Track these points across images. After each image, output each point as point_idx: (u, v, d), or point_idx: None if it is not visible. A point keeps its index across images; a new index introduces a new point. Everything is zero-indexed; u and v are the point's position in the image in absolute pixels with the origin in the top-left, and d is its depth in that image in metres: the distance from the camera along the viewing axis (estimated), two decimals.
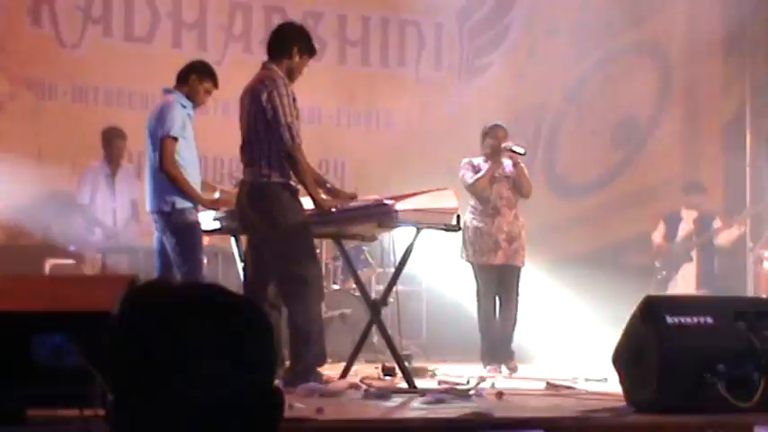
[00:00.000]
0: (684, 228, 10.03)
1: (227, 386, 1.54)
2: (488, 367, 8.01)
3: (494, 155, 8.25)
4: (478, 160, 8.33)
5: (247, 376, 1.56)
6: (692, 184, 10.35)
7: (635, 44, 11.62)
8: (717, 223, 10.03)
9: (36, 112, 9.76)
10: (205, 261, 7.10)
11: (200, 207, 6.86)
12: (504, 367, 8.02)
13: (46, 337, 3.77)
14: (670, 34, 11.61)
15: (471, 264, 8.27)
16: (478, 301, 8.26)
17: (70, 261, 9.03)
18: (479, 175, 8.23)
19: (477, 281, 8.27)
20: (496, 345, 8.16)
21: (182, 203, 6.74)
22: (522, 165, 8.28)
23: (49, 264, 9.03)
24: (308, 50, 6.32)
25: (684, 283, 9.83)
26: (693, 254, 9.95)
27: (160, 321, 1.54)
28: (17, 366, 3.80)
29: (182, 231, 6.76)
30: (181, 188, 6.72)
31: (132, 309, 1.58)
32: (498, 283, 8.23)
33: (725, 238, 10.03)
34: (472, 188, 8.26)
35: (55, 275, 8.35)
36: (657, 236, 10.11)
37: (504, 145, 8.17)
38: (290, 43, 6.25)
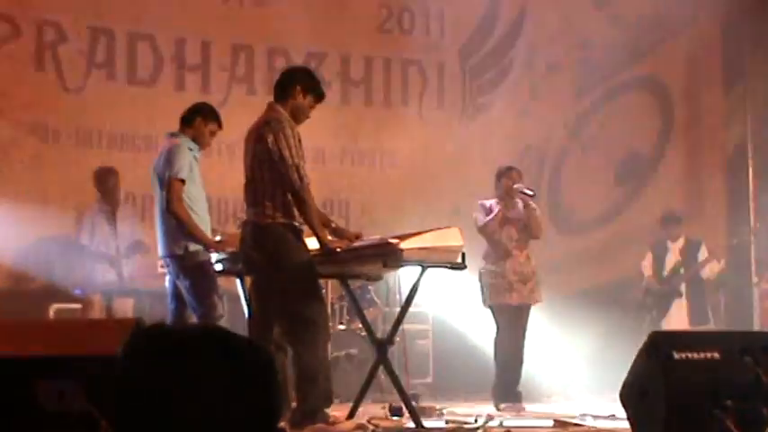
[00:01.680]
0: (671, 259, 9.91)
1: (231, 428, 1.54)
2: (502, 405, 7.98)
3: (506, 196, 8.29)
4: (491, 202, 8.37)
5: (252, 418, 1.56)
6: (668, 216, 10.11)
7: (636, 80, 11.66)
8: (703, 253, 9.89)
9: (39, 157, 9.78)
10: None
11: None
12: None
13: (51, 382, 3.76)
14: (670, 69, 11.65)
15: (490, 306, 8.27)
16: (497, 341, 8.25)
17: (75, 305, 9.01)
18: (489, 217, 8.27)
19: (495, 322, 8.26)
20: (510, 384, 8.15)
21: (194, 246, 6.76)
22: (534, 206, 8.32)
23: (53, 308, 9.02)
24: (313, 92, 6.30)
25: (676, 319, 9.67)
26: (683, 288, 9.83)
27: (163, 365, 1.54)
28: (22, 412, 3.79)
29: (196, 274, 6.77)
30: (188, 229, 6.73)
31: (136, 353, 1.58)
32: (515, 322, 8.22)
33: (707, 271, 9.89)
34: (483, 230, 8.29)
35: (59, 319, 8.33)
36: (646, 266, 9.99)
37: (515, 186, 8.22)
38: (293, 84, 6.25)
